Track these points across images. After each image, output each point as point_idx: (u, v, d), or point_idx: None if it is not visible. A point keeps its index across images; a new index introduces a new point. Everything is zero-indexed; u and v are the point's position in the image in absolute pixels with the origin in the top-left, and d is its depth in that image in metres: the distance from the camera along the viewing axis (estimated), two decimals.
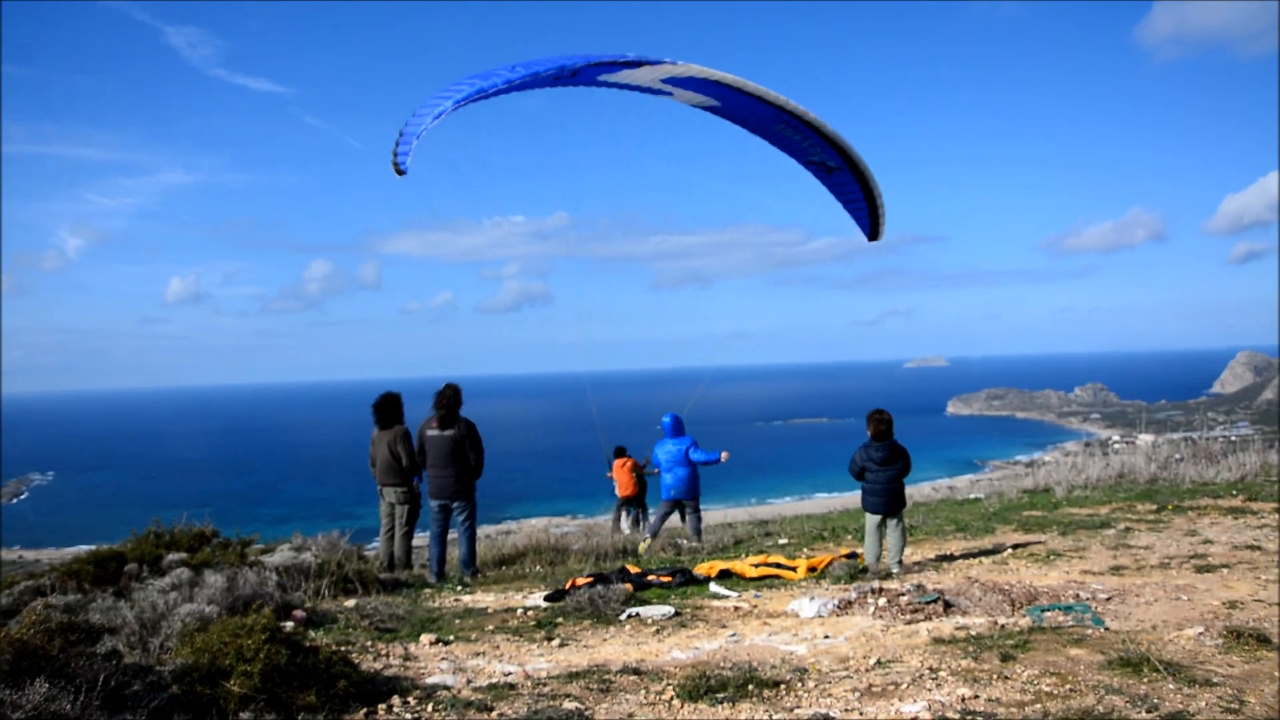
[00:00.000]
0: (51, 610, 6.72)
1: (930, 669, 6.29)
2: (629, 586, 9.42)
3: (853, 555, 11.49)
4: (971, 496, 20.20)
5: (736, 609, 9.01)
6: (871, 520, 11.00)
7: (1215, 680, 5.79)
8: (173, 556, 10.10)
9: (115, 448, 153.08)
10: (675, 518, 15.48)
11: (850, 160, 11.30)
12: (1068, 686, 5.74)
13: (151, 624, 7.02)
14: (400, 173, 8.97)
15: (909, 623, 7.85)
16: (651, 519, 15.18)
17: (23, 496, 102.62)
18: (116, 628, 6.83)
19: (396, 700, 5.78)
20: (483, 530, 12.67)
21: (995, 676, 6.03)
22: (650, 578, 10.38)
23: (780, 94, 10.75)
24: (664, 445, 14.47)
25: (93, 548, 11.38)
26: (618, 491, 18.90)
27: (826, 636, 7.57)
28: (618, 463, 18.90)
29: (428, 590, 10.67)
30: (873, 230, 12.01)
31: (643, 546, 13.58)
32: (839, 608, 8.50)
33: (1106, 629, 7.25)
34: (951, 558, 11.48)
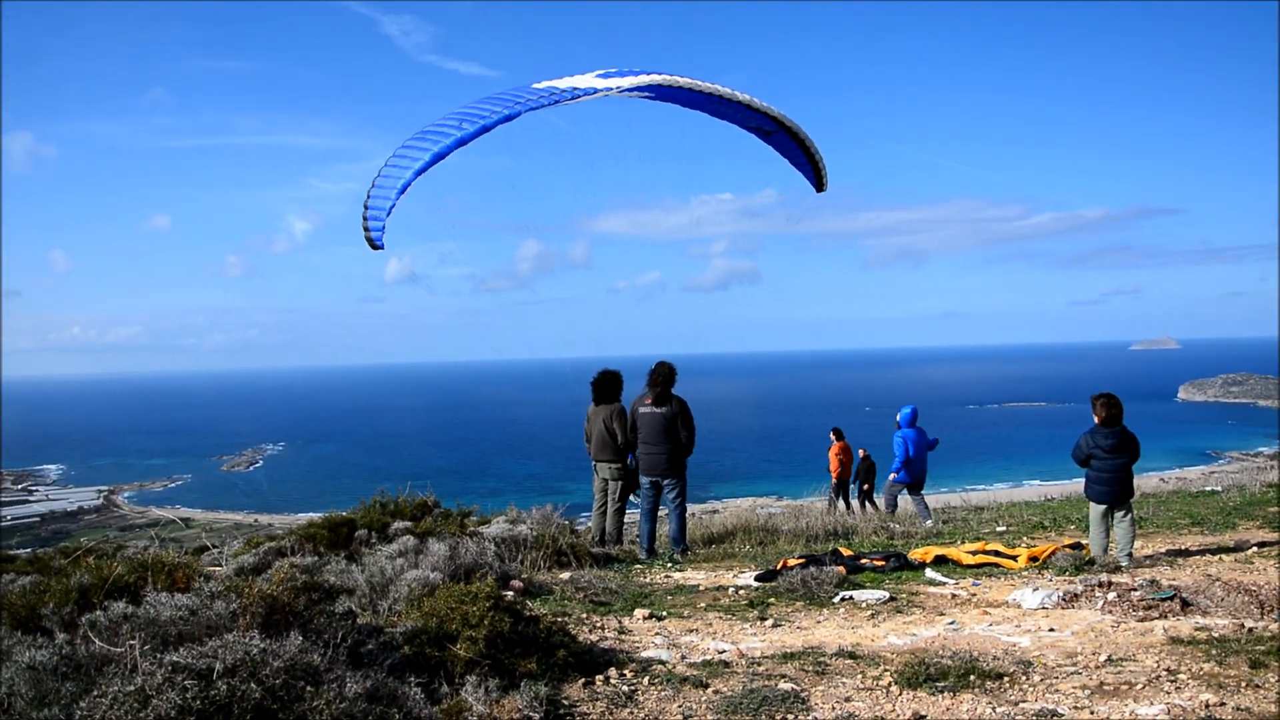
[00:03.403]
0: (295, 570, 7.16)
1: (1168, 670, 5.91)
2: (842, 569, 9.26)
3: (1077, 546, 10.95)
4: (1207, 489, 18.94)
5: (954, 596, 8.74)
6: (1096, 510, 10.46)
7: None
8: (398, 525, 10.63)
9: (337, 421, 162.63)
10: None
11: (781, 124, 11.64)
12: None
13: (380, 587, 7.38)
14: (377, 248, 9.38)
15: (1141, 620, 7.41)
16: (883, 501, 16.26)
17: (258, 465, 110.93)
18: (350, 589, 7.21)
19: (613, 672, 5.87)
20: (690, 509, 12.78)
21: (1244, 684, 5.60)
22: (863, 561, 10.20)
23: (705, 81, 10.96)
24: (907, 434, 15.30)
25: (325, 514, 12.11)
26: (837, 473, 19.15)
27: (1051, 629, 7.24)
28: (838, 445, 19.07)
29: (639, 566, 10.82)
30: (817, 182, 12.42)
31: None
32: (1064, 600, 8.12)
33: None
34: (1187, 553, 10.77)
